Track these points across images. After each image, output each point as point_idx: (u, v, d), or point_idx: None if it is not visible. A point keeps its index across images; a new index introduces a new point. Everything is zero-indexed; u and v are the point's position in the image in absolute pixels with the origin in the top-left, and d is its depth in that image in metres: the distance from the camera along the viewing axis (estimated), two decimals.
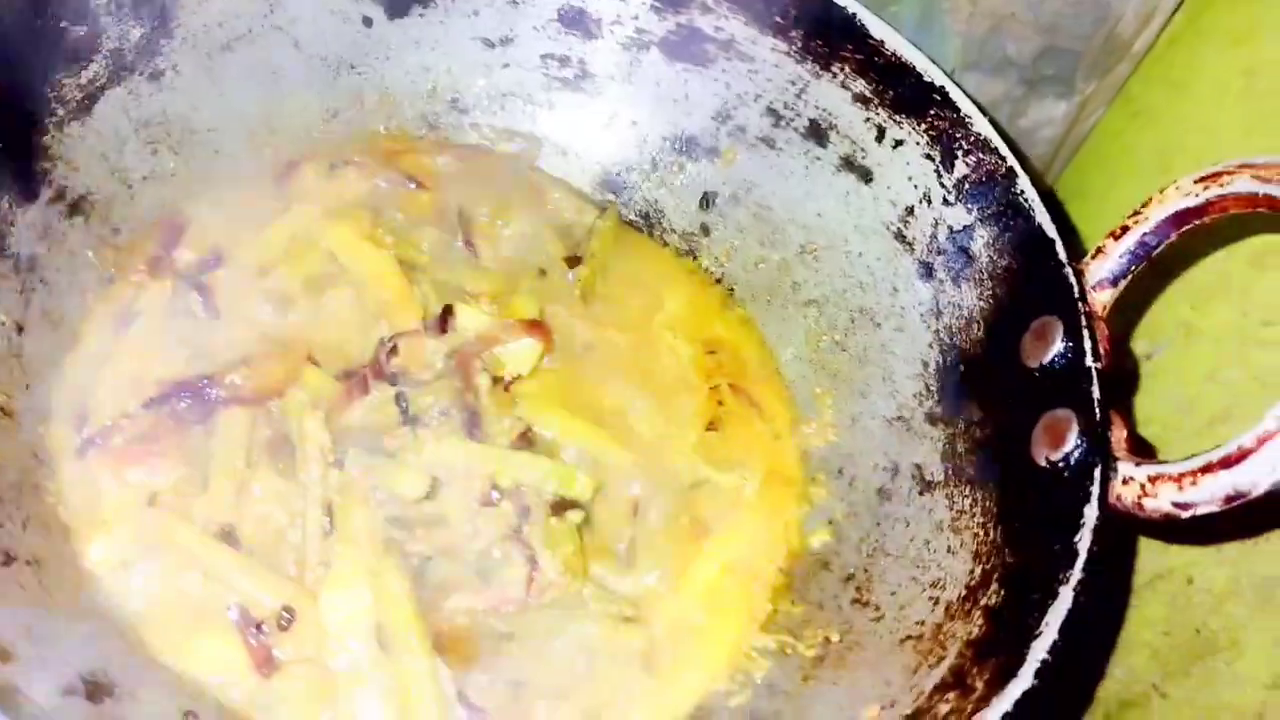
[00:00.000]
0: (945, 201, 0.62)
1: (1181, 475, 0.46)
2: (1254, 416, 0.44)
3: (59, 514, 0.51)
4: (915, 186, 0.64)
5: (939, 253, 0.62)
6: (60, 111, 0.56)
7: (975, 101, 0.62)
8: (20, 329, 0.54)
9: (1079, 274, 0.54)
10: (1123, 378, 0.59)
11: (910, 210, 0.64)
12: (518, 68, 0.71)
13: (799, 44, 0.66)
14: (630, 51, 0.70)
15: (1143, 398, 0.74)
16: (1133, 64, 0.89)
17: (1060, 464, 0.51)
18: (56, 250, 0.56)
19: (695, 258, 0.72)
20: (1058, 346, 0.54)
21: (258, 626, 0.51)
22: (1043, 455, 0.52)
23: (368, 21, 0.67)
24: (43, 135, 0.56)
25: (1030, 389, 0.54)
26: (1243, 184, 0.49)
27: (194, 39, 0.61)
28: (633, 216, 0.73)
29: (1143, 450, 0.51)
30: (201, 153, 0.62)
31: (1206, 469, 0.45)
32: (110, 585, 0.51)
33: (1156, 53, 0.87)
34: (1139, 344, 0.75)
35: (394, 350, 0.57)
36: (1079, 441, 0.50)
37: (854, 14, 0.64)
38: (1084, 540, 0.47)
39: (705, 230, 0.72)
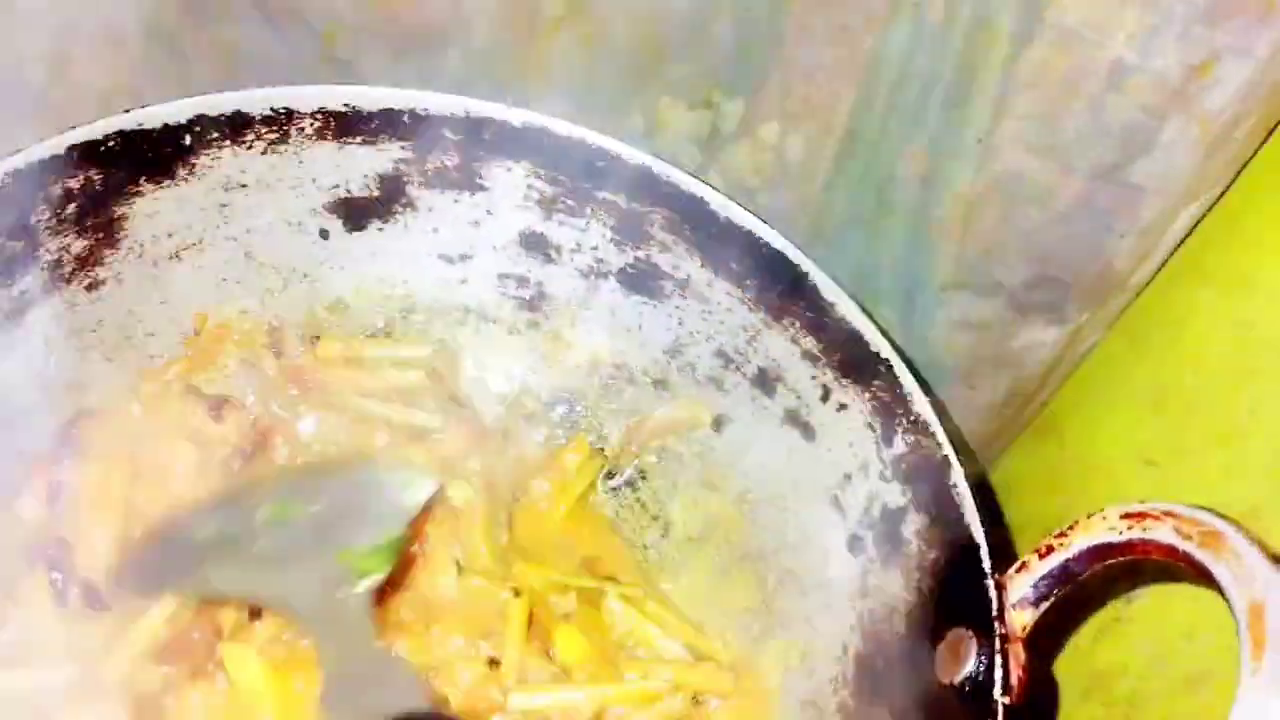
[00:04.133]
0: (882, 477, 0.60)
1: None
2: (1229, 685, 0.40)
3: None
4: (855, 455, 0.62)
5: (870, 528, 0.60)
6: None
7: (921, 378, 0.60)
8: None
9: (1000, 588, 0.52)
10: (1038, 712, 0.56)
11: (848, 478, 0.62)
12: (475, 285, 0.71)
13: (752, 292, 0.65)
14: (588, 279, 0.70)
15: (1117, 645, 0.71)
16: (1129, 296, 0.87)
17: None
18: None
19: (634, 490, 0.71)
20: (969, 667, 0.50)
21: None
22: None
23: (324, 234, 0.67)
24: None
25: (940, 709, 0.51)
26: (1164, 533, 0.46)
27: (140, 249, 0.62)
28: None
29: None
30: (135, 358, 0.63)
31: None
32: None
33: (1156, 286, 0.86)
34: (1119, 586, 0.72)
35: None
36: None
37: (806, 272, 0.63)
38: None
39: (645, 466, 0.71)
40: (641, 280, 0.68)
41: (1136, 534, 0.48)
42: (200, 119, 0.59)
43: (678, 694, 0.62)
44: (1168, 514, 0.46)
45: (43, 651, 0.55)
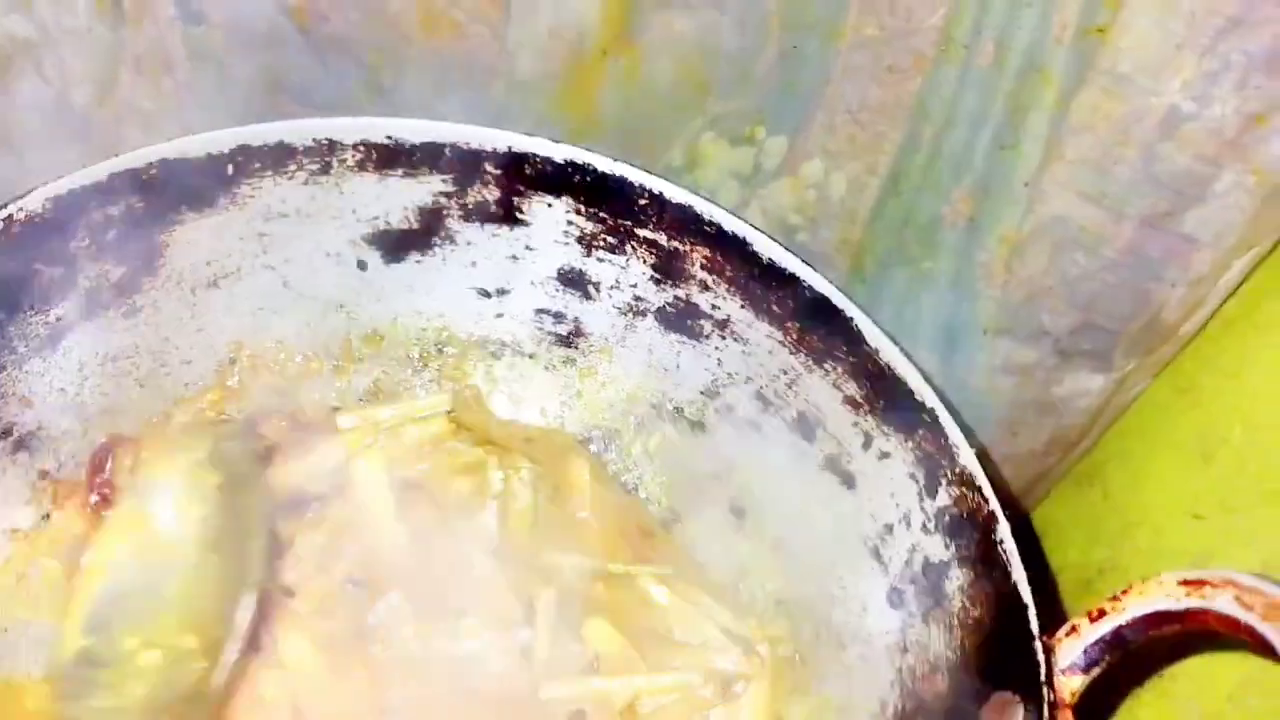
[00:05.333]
0: (925, 529, 0.59)
1: None
2: None
3: None
4: (897, 505, 0.60)
5: (912, 582, 0.58)
6: (21, 349, 0.56)
7: (967, 428, 0.58)
8: None
9: (1048, 651, 0.50)
10: None
11: (889, 529, 0.61)
12: (511, 319, 0.70)
13: (794, 335, 0.64)
14: (626, 316, 0.69)
15: (1160, 705, 0.68)
16: (1179, 345, 0.85)
17: None
18: None
19: (666, 531, 0.69)
20: None
21: None
22: None
23: (362, 265, 0.67)
24: None
25: None
26: (1225, 602, 0.44)
27: (178, 277, 0.61)
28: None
29: None
30: (169, 386, 0.62)
31: None
32: None
33: (1209, 334, 0.84)
34: (1173, 651, 0.70)
35: None
36: None
37: (850, 317, 0.62)
38: None
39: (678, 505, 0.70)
40: (680, 319, 0.67)
41: (1195, 602, 0.46)
42: (244, 149, 0.59)
43: (709, 683, 0.61)
44: (1228, 582, 0.45)
45: None
